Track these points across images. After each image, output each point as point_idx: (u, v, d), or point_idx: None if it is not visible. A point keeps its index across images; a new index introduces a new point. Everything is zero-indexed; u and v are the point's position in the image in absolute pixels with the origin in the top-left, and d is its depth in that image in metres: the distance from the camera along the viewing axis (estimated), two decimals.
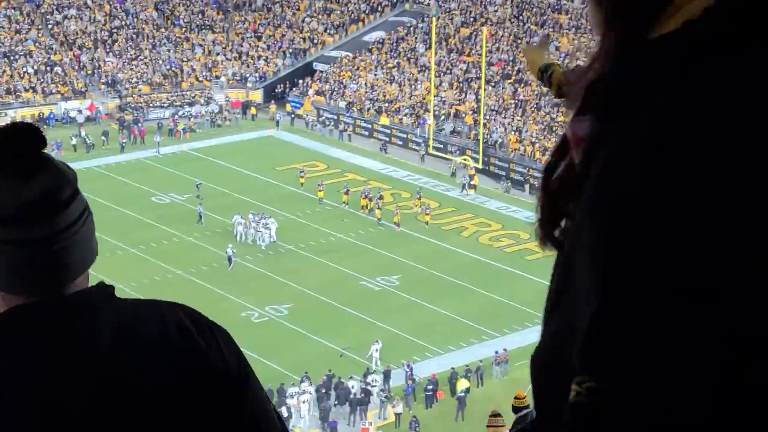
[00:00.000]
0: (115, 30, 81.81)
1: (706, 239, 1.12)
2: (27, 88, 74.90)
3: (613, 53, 1.29)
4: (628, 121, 1.20)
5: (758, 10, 1.18)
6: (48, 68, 76.91)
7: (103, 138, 69.04)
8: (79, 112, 73.45)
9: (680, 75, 1.19)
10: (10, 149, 2.17)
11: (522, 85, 70.64)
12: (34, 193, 2.14)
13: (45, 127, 70.53)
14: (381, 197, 59.07)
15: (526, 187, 62.42)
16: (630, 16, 1.28)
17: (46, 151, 2.22)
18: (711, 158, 1.12)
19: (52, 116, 73.11)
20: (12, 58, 76.72)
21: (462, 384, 41.82)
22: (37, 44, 78.66)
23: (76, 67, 78.00)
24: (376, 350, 43.05)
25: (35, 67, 76.65)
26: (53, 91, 75.12)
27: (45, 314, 2.15)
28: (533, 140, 65.07)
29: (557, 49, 72.82)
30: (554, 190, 1.43)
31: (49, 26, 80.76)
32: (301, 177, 62.59)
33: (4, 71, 75.52)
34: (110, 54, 79.60)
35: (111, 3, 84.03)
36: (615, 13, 1.31)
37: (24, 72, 75.96)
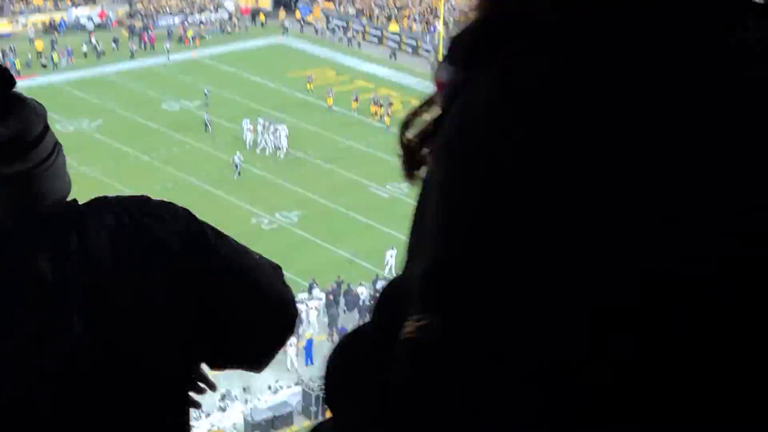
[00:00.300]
0: None
1: (547, 196, 1.11)
2: None
3: (484, 5, 1.32)
4: (488, 69, 1.21)
5: None
6: None
7: (113, 45, 69.04)
8: (90, 19, 73.35)
9: (543, 33, 1.18)
10: None
11: None
12: (9, 131, 2.32)
13: (56, 33, 70.58)
14: (390, 104, 59.17)
15: None
16: None
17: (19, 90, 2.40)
18: (558, 118, 1.11)
19: (63, 23, 73.05)
20: None
21: None
22: None
23: None
24: (391, 256, 43.51)
25: None
26: None
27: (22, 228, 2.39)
28: None
29: None
30: (412, 141, 1.41)
31: None
32: (309, 84, 62.68)
33: None
34: None
35: None
36: None
37: None
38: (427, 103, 1.37)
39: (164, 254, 2.50)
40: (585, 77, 1.12)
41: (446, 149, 1.23)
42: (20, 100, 2.38)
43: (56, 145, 2.48)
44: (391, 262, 43.70)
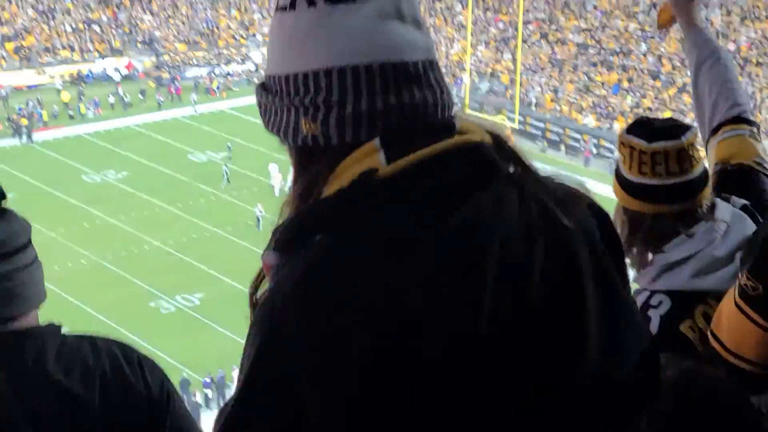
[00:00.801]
0: None
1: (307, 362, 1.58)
2: (65, 46, 75.28)
3: (295, 204, 1.84)
4: (295, 256, 1.69)
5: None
6: (86, 26, 77.25)
7: (140, 96, 69.40)
8: (116, 70, 73.82)
9: (327, 227, 1.70)
10: None
11: (559, 44, 70.29)
12: None
13: (83, 85, 71.01)
14: None
15: (562, 147, 62.28)
16: (306, 181, 1.84)
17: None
18: (313, 305, 1.62)
19: (90, 74, 73.53)
20: (50, 15, 77.12)
21: None
22: (74, 2, 78.99)
23: (114, 25, 78.31)
24: None
25: (73, 25, 77.01)
26: (91, 49, 75.50)
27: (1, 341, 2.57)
28: (570, 100, 64.83)
29: (595, 7, 72.35)
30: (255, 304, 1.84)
31: None
32: None
33: (43, 29, 75.96)
34: (147, 12, 79.84)
35: None
36: (298, 175, 1.89)
37: (62, 30, 76.36)
38: (260, 278, 1.85)
39: (130, 400, 2.66)
40: (340, 271, 1.62)
41: (258, 318, 1.69)
42: (7, 212, 2.69)
43: (36, 258, 2.76)
44: None
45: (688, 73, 3.64)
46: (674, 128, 3.10)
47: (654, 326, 2.83)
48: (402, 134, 1.73)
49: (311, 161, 1.83)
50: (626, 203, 3.02)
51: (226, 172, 57.03)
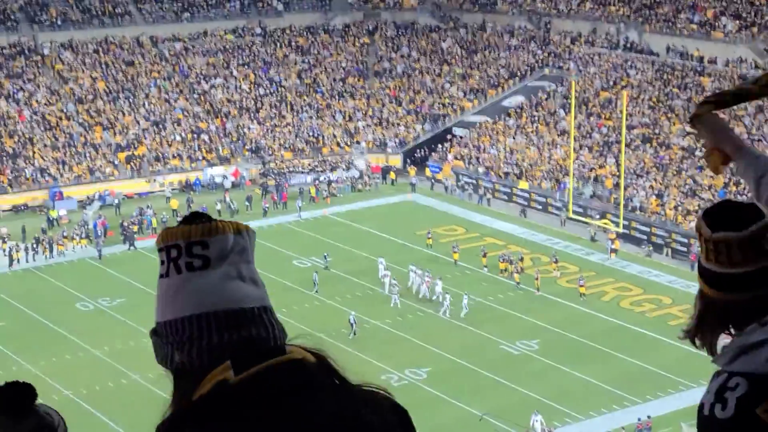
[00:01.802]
0: (259, 98, 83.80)
1: None
2: (175, 155, 77.09)
3: (173, 408, 2.60)
4: None
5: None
6: (195, 135, 79.09)
7: (246, 203, 70.56)
8: (225, 177, 75.30)
9: (194, 421, 2.48)
10: (9, 401, 3.37)
11: (663, 148, 69.96)
12: (25, 428, 3.35)
13: (192, 192, 72.48)
14: (521, 259, 58.94)
15: (667, 251, 61.60)
16: (179, 395, 2.62)
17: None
18: None
19: (198, 182, 75.09)
20: (161, 126, 79.15)
21: None
22: (184, 112, 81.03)
23: (222, 134, 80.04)
24: (537, 421, 42.43)
25: (182, 135, 78.89)
26: (199, 157, 77.18)
27: None
28: (676, 204, 64.27)
29: None
30: None
31: (196, 95, 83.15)
32: (429, 239, 63.02)
33: (154, 139, 77.93)
34: (254, 121, 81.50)
35: (256, 71, 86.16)
36: (174, 392, 2.66)
37: (172, 139, 78.26)
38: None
39: None
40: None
41: None
42: (34, 410, 3.41)
43: None
44: (537, 428, 42.72)
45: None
46: (743, 217, 2.99)
47: (730, 409, 2.80)
48: (246, 357, 2.52)
49: (183, 381, 2.60)
50: (702, 287, 3.03)
51: (316, 280, 57.18)
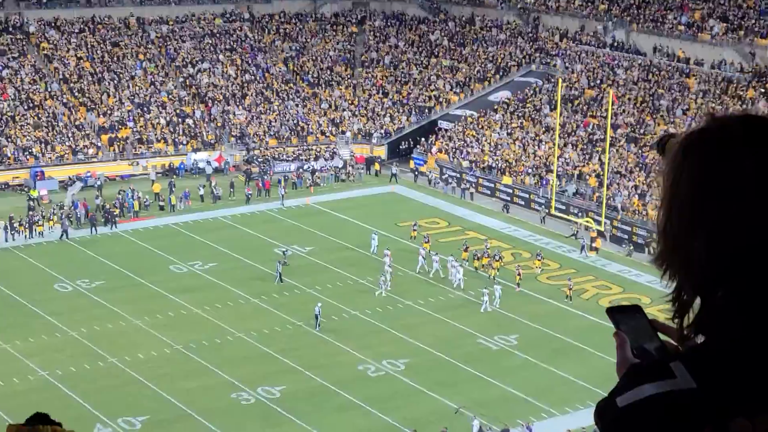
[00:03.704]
0: (245, 84, 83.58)
1: None
2: (159, 138, 76.84)
3: None
4: None
5: None
6: (180, 120, 78.83)
7: (231, 189, 70.39)
8: (208, 163, 75.10)
9: None
10: None
11: (647, 148, 70.06)
12: None
13: (174, 177, 72.27)
14: (500, 258, 58.89)
15: (648, 250, 61.75)
16: None
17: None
18: None
19: (181, 166, 74.88)
20: (146, 108, 78.86)
21: None
22: (170, 96, 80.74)
23: (207, 120, 79.81)
24: (476, 425, 42.37)
25: (167, 119, 78.63)
26: (183, 142, 76.94)
27: None
28: (657, 204, 64.24)
29: (684, 113, 72.14)
30: None
31: (182, 79, 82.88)
32: (414, 231, 62.97)
33: (138, 122, 77.63)
34: (240, 107, 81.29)
35: (243, 57, 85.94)
36: None
37: (156, 123, 77.98)
38: None
39: None
40: None
41: None
42: None
43: None
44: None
45: None
46: None
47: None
48: None
49: None
50: None
51: (279, 272, 56.84)
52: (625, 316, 2.33)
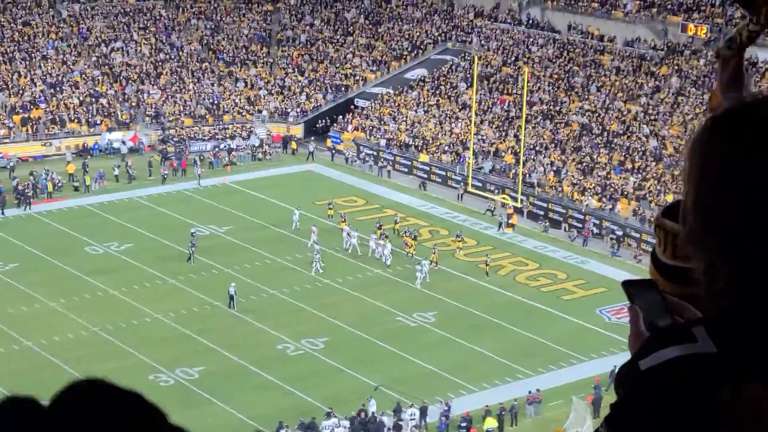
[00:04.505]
0: (159, 63, 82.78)
1: None
2: (72, 118, 75.84)
3: None
4: None
5: None
6: (93, 99, 77.86)
7: (149, 169, 69.71)
8: (123, 143, 74.29)
9: None
10: None
11: (563, 125, 70.76)
12: None
13: (89, 157, 71.41)
14: (415, 236, 59.04)
15: (564, 227, 62.44)
16: None
17: None
18: None
19: (96, 146, 73.98)
20: (58, 88, 77.76)
21: (489, 423, 41.91)
22: (83, 76, 79.69)
23: (121, 99, 78.93)
24: (372, 405, 42.64)
25: (81, 98, 77.63)
26: (98, 122, 76.03)
27: None
28: (573, 180, 65.09)
29: (599, 90, 72.92)
30: None
31: (95, 58, 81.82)
32: (330, 209, 62.99)
33: (51, 102, 76.54)
34: (155, 86, 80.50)
35: (157, 36, 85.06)
36: None
37: (70, 102, 76.96)
38: None
39: None
40: None
41: None
42: None
43: None
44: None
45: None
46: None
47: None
48: None
49: None
50: (662, 286, 3.02)
51: (192, 252, 56.67)
52: (640, 289, 2.38)
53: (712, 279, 2.22)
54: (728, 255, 2.19)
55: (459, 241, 59.35)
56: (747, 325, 2.08)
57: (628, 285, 2.39)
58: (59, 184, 66.38)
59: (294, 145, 76.76)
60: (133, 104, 78.60)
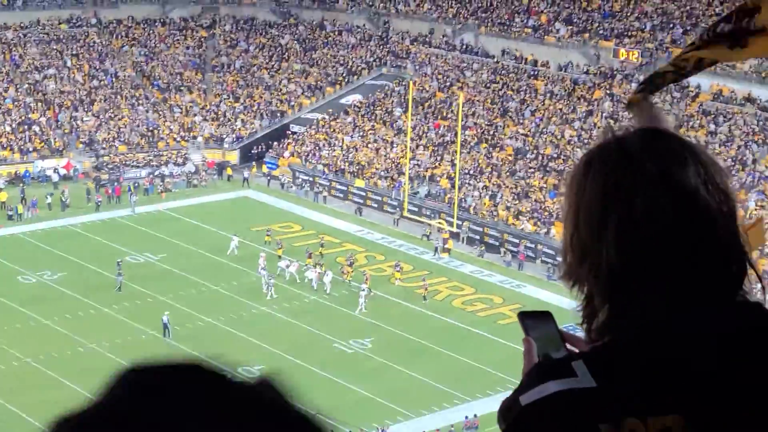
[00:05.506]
0: (93, 89, 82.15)
1: None
2: (4, 146, 74.99)
3: None
4: None
5: None
6: (26, 126, 77.05)
7: (87, 196, 68.90)
8: (55, 170, 73.51)
9: None
10: None
11: (497, 149, 71.17)
12: None
13: (21, 184, 70.60)
14: (352, 263, 58.96)
15: (502, 251, 62.71)
16: None
17: None
18: None
19: (27, 174, 73.13)
20: None
21: None
22: (15, 102, 78.86)
23: (54, 126, 78.19)
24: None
25: (13, 126, 76.79)
26: (30, 149, 75.22)
27: None
28: (508, 205, 65.44)
29: (533, 114, 73.48)
30: None
31: (27, 85, 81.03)
32: (268, 236, 62.76)
33: None
34: (88, 113, 79.85)
35: (90, 63, 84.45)
36: None
37: (2, 130, 76.08)
38: None
39: None
40: None
41: None
42: None
43: None
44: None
45: None
46: None
47: None
48: None
49: None
50: None
51: (121, 282, 56.21)
52: (536, 321, 2.35)
53: (592, 314, 2.24)
54: (605, 292, 2.20)
55: (398, 272, 58.97)
56: (625, 360, 2.07)
57: (523, 317, 2.39)
58: None
59: (229, 171, 76.47)
60: (66, 131, 77.90)
